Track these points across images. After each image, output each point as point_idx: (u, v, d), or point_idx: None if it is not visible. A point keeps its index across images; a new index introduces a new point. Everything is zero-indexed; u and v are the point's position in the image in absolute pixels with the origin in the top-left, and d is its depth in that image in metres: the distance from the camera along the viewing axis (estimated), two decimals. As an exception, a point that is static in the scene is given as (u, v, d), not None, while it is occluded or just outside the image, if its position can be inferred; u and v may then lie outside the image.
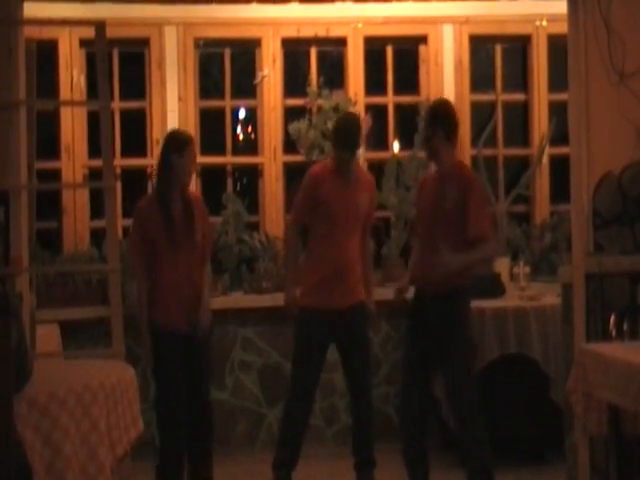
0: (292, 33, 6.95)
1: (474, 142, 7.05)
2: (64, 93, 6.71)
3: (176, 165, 5.12)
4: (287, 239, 5.77)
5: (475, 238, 4.80)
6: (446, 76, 7.05)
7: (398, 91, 7.16)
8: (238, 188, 7.27)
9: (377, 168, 6.93)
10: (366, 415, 5.53)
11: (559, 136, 6.74)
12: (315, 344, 5.43)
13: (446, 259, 4.77)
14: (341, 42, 7.04)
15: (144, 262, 5.13)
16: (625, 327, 4.42)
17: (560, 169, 6.61)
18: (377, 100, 7.12)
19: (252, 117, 7.21)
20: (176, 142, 5.20)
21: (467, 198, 4.81)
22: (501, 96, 7.21)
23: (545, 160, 7.07)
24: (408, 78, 7.21)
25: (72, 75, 6.73)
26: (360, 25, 6.99)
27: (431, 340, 4.90)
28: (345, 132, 5.42)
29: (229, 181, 7.02)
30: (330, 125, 6.79)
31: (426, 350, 4.93)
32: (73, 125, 6.72)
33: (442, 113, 5.01)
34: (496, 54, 7.24)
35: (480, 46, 7.28)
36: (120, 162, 6.76)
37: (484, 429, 4.87)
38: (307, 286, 5.47)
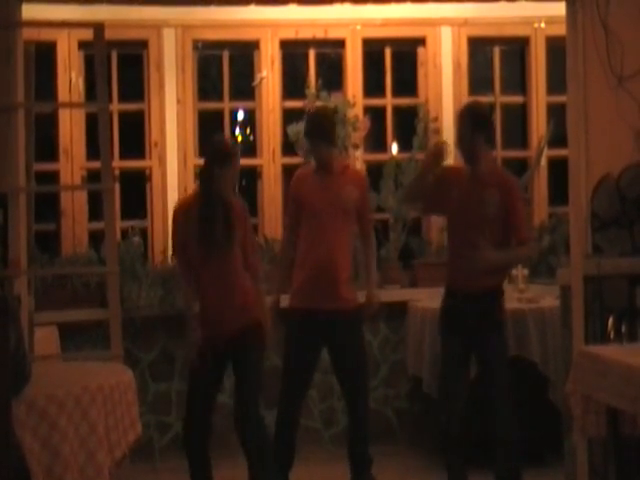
0: (290, 35, 6.96)
1: (472, 144, 7.04)
2: (62, 95, 6.71)
3: (217, 177, 4.96)
4: (283, 248, 5.70)
5: (522, 241, 5.03)
6: (444, 78, 7.05)
7: (397, 93, 7.16)
8: (237, 190, 7.26)
9: (375, 170, 6.94)
10: (362, 417, 5.50)
11: (557, 138, 6.74)
12: (304, 345, 5.40)
13: (487, 255, 4.92)
14: (340, 44, 7.04)
15: (184, 264, 5.05)
16: (623, 329, 4.42)
17: (559, 171, 6.61)
18: (376, 102, 7.12)
19: (251, 119, 7.21)
20: (219, 154, 5.03)
21: (511, 204, 5.00)
22: (499, 98, 7.21)
23: (543, 162, 7.07)
24: (407, 80, 7.21)
25: (70, 77, 6.73)
26: (359, 27, 6.99)
27: (469, 340, 5.05)
28: (308, 124, 5.52)
29: (228, 183, 7.01)
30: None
31: (465, 349, 5.10)
32: (71, 127, 6.71)
33: (482, 117, 5.10)
34: (494, 56, 7.24)
35: (478, 48, 7.28)
36: (118, 164, 6.76)
37: (517, 430, 5.01)
38: (295, 286, 5.45)
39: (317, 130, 5.41)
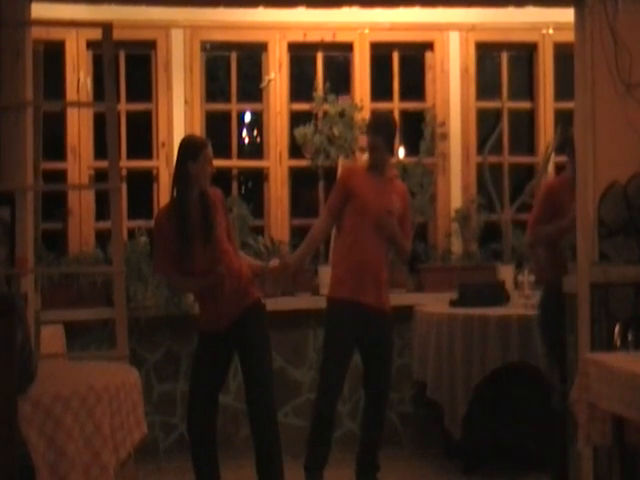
0: (299, 38, 6.96)
1: (480, 149, 7.05)
2: (70, 94, 6.71)
3: (192, 172, 5.01)
4: (315, 225, 5.68)
5: None
6: (452, 83, 7.05)
7: (404, 97, 7.16)
8: (243, 192, 7.27)
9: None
10: (379, 419, 5.56)
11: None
12: (345, 334, 5.43)
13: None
14: (347, 47, 7.05)
15: (173, 268, 5.04)
16: (630, 337, 4.41)
17: (566, 178, 6.60)
18: (383, 106, 7.11)
19: (258, 121, 7.21)
20: (190, 148, 5.08)
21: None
22: (507, 104, 7.21)
23: (551, 168, 7.06)
24: (414, 84, 7.21)
25: (79, 76, 6.73)
26: (367, 31, 6.99)
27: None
28: (373, 121, 5.64)
29: (234, 185, 7.02)
30: (336, 130, 6.81)
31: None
32: (79, 126, 6.72)
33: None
34: (502, 62, 7.24)
35: (486, 53, 7.29)
36: (126, 164, 6.76)
37: None
38: (335, 278, 5.51)
39: (381, 128, 5.51)
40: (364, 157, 6.84)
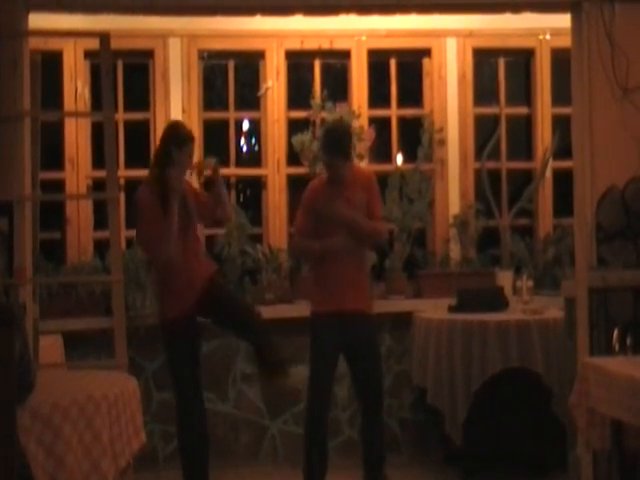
0: (296, 45, 6.97)
1: (477, 155, 7.05)
2: (68, 104, 6.72)
3: (175, 158, 5.25)
4: (292, 245, 5.91)
5: None
6: (449, 89, 7.06)
7: (402, 104, 7.17)
8: (241, 200, 7.28)
9: (380, 181, 6.92)
10: (378, 420, 5.59)
11: (562, 150, 6.75)
12: (328, 344, 5.50)
13: None
14: (345, 54, 7.05)
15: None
16: (628, 341, 4.42)
17: (563, 183, 6.61)
18: (380, 113, 7.13)
19: (256, 129, 7.22)
20: (178, 136, 5.33)
21: None
22: (504, 109, 7.21)
23: (548, 174, 7.07)
24: (412, 91, 7.21)
25: (76, 86, 6.74)
26: (364, 38, 7.00)
27: None
28: (326, 139, 5.63)
29: (232, 193, 7.02)
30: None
31: None
32: (77, 136, 6.72)
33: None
34: (499, 67, 7.25)
35: (483, 59, 7.29)
36: (124, 173, 6.76)
37: None
38: (316, 297, 5.60)
39: (336, 146, 5.52)
40: (362, 164, 6.86)
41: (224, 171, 6.96)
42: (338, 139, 5.55)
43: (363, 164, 6.88)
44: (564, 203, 6.53)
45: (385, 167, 7.06)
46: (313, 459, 5.52)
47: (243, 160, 7.32)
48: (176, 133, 5.36)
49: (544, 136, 7.11)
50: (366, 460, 5.61)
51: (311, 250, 5.60)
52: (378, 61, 7.12)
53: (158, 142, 5.48)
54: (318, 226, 5.53)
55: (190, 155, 5.39)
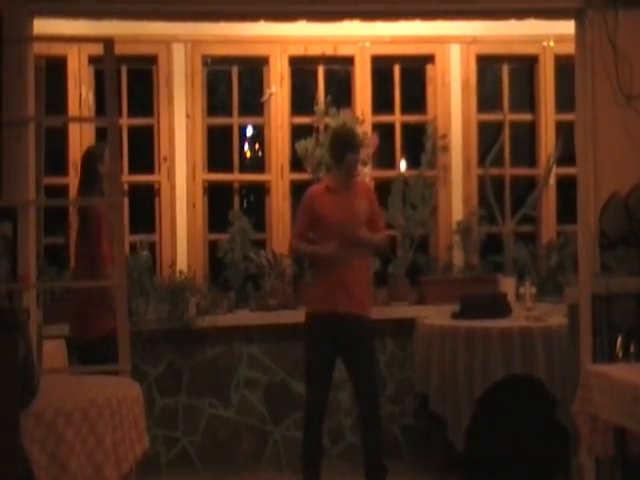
0: (300, 51, 6.98)
1: (481, 162, 7.06)
2: (72, 109, 6.73)
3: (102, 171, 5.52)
4: (292, 248, 5.93)
5: None
6: (453, 95, 7.06)
7: (405, 110, 7.17)
8: (245, 205, 7.28)
9: (384, 187, 6.95)
10: (374, 419, 5.66)
11: (566, 156, 6.75)
12: (323, 348, 5.62)
13: None
14: (348, 61, 7.06)
15: None
16: (632, 348, 4.41)
17: (567, 189, 6.62)
18: (384, 119, 7.14)
19: (259, 135, 7.23)
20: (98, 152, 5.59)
21: None
22: (508, 116, 7.22)
23: (552, 180, 7.07)
24: (415, 97, 7.22)
25: (81, 92, 6.75)
26: (368, 44, 7.01)
27: None
28: (348, 138, 5.78)
29: (236, 198, 7.03)
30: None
31: None
32: (81, 141, 6.73)
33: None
34: (503, 74, 7.26)
35: (487, 66, 7.30)
36: (127, 178, 6.77)
37: None
38: (313, 297, 5.73)
39: (357, 144, 5.78)
40: (365, 170, 6.87)
41: (228, 177, 7.00)
42: (354, 137, 5.82)
43: (367, 170, 6.90)
44: (567, 210, 6.53)
45: (388, 173, 7.07)
46: (311, 455, 5.67)
47: (246, 166, 7.33)
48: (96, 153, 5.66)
49: (547, 143, 7.12)
50: (365, 466, 5.65)
51: (313, 253, 5.75)
52: (382, 67, 7.13)
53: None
54: (315, 232, 5.68)
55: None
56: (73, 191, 6.71)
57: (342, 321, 5.58)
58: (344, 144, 5.71)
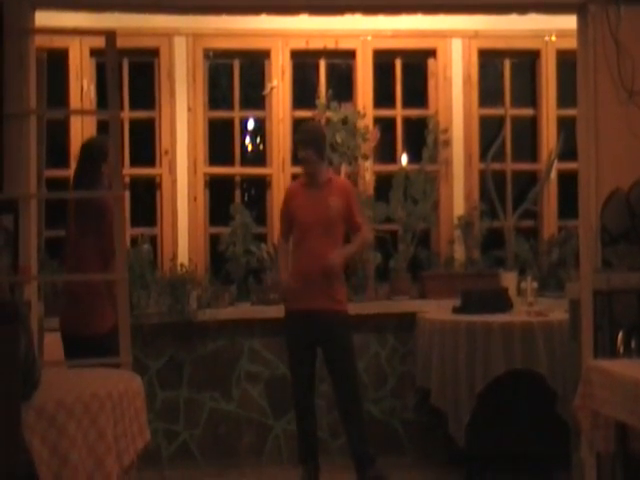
0: (301, 45, 6.97)
1: (482, 156, 7.05)
2: (74, 102, 6.73)
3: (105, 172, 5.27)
4: (277, 251, 6.13)
5: None
6: (455, 90, 7.06)
7: (406, 104, 7.17)
8: (246, 199, 7.28)
9: (385, 181, 6.95)
10: (355, 410, 5.76)
11: (567, 152, 6.75)
12: (301, 342, 5.75)
13: None
14: (350, 55, 7.05)
15: None
16: (633, 344, 4.42)
17: (568, 185, 6.61)
18: (386, 113, 7.13)
19: (261, 128, 7.22)
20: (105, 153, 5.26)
21: None
22: (510, 111, 7.21)
23: (553, 175, 7.07)
24: (417, 91, 7.21)
25: (82, 84, 6.75)
26: (369, 38, 7.00)
27: None
28: (300, 134, 5.92)
29: (237, 192, 7.03)
30: (338, 137, 6.82)
31: None
32: (83, 134, 6.71)
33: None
34: (505, 69, 7.25)
35: (489, 60, 7.29)
36: (129, 171, 6.77)
37: None
38: (289, 290, 5.83)
39: (310, 141, 5.78)
40: (367, 164, 6.87)
41: (229, 170, 6.99)
42: (313, 134, 5.87)
43: (368, 164, 6.90)
44: (569, 205, 6.52)
45: (390, 167, 7.07)
46: (308, 450, 5.77)
47: (248, 159, 7.33)
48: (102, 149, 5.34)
49: (549, 138, 7.11)
50: (353, 458, 5.76)
51: (279, 270, 6.00)
52: (383, 61, 7.12)
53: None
54: (293, 228, 5.82)
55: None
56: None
57: (317, 317, 5.68)
58: (295, 141, 5.95)
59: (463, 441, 5.92)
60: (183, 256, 6.74)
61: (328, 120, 6.88)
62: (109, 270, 5.11)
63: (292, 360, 5.83)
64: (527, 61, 7.30)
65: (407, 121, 7.18)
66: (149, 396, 5.32)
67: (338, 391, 5.79)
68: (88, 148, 5.43)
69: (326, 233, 5.72)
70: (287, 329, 5.86)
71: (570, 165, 6.52)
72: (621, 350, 4.50)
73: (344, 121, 6.87)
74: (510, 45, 7.12)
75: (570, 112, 6.40)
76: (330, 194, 5.78)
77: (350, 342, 5.82)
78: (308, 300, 5.69)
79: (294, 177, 6.97)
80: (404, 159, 7.03)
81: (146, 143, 6.89)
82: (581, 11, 5.34)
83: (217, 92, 7.28)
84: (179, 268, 6.59)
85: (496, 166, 7.04)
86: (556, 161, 6.99)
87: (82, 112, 6.84)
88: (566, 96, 6.88)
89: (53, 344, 5.37)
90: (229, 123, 7.06)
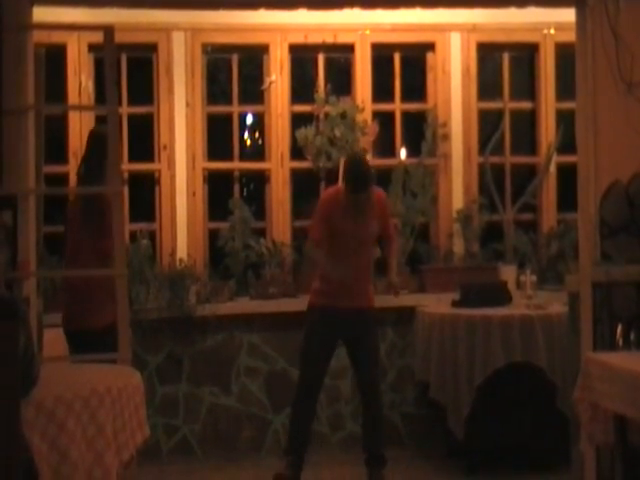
0: (300, 39, 6.96)
1: (481, 150, 7.05)
2: (72, 98, 6.72)
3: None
4: (309, 255, 5.87)
5: None
6: (453, 83, 7.05)
7: (405, 98, 7.16)
8: (245, 194, 7.28)
9: (384, 175, 6.94)
10: (377, 413, 5.68)
11: (566, 144, 6.74)
12: (322, 340, 5.64)
13: None
14: (349, 49, 7.05)
15: None
16: (632, 336, 4.42)
17: (567, 177, 6.61)
18: (384, 107, 7.13)
19: (259, 123, 7.22)
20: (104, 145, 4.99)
21: None
22: (508, 104, 7.21)
23: (552, 168, 7.07)
24: (415, 85, 7.21)
25: (80, 80, 6.74)
26: (368, 32, 6.99)
27: None
28: (354, 177, 5.54)
29: (236, 187, 7.03)
30: (337, 132, 6.81)
31: None
32: (81, 129, 6.72)
33: None
34: (504, 62, 7.24)
35: (488, 54, 7.28)
36: (127, 167, 6.76)
37: None
38: (315, 290, 5.72)
39: (363, 183, 5.50)
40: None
41: (228, 165, 6.99)
42: (364, 176, 5.54)
43: (367, 158, 6.88)
44: (568, 198, 6.52)
45: (389, 161, 7.06)
46: (296, 443, 5.68)
47: (247, 154, 7.32)
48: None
49: (548, 131, 7.11)
50: (366, 455, 5.69)
51: (320, 265, 5.72)
52: (382, 55, 7.12)
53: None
54: (331, 236, 5.62)
55: None
56: (73, 179, 6.71)
57: (344, 315, 5.60)
58: (351, 180, 5.57)
59: (462, 434, 5.93)
60: (182, 251, 6.74)
61: (327, 114, 6.88)
62: (109, 265, 5.09)
63: (308, 356, 5.69)
64: (526, 54, 7.29)
65: (406, 115, 7.18)
66: (148, 391, 5.32)
67: (364, 389, 5.72)
68: (98, 137, 5.23)
69: (362, 244, 5.66)
70: (313, 324, 5.70)
71: (569, 158, 6.53)
72: (620, 343, 4.50)
73: (343, 115, 6.87)
74: (509, 38, 7.12)
75: (569, 105, 6.39)
76: (371, 208, 5.62)
77: (378, 341, 5.82)
78: (336, 300, 5.61)
79: (293, 172, 6.97)
80: (403, 153, 7.03)
81: (145, 138, 6.89)
82: (580, 4, 5.34)
83: (216, 87, 7.27)
84: (178, 263, 6.59)
85: (495, 159, 7.05)
86: (555, 154, 6.99)
87: (80, 108, 6.84)
88: (565, 89, 6.88)
89: (54, 340, 5.37)
90: (228, 118, 7.05)
